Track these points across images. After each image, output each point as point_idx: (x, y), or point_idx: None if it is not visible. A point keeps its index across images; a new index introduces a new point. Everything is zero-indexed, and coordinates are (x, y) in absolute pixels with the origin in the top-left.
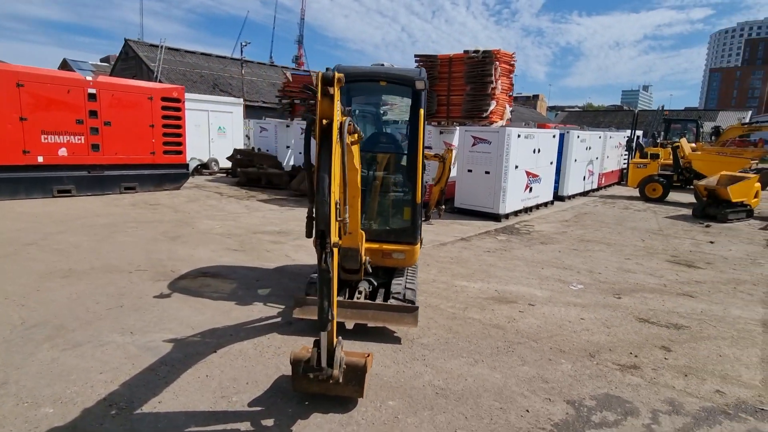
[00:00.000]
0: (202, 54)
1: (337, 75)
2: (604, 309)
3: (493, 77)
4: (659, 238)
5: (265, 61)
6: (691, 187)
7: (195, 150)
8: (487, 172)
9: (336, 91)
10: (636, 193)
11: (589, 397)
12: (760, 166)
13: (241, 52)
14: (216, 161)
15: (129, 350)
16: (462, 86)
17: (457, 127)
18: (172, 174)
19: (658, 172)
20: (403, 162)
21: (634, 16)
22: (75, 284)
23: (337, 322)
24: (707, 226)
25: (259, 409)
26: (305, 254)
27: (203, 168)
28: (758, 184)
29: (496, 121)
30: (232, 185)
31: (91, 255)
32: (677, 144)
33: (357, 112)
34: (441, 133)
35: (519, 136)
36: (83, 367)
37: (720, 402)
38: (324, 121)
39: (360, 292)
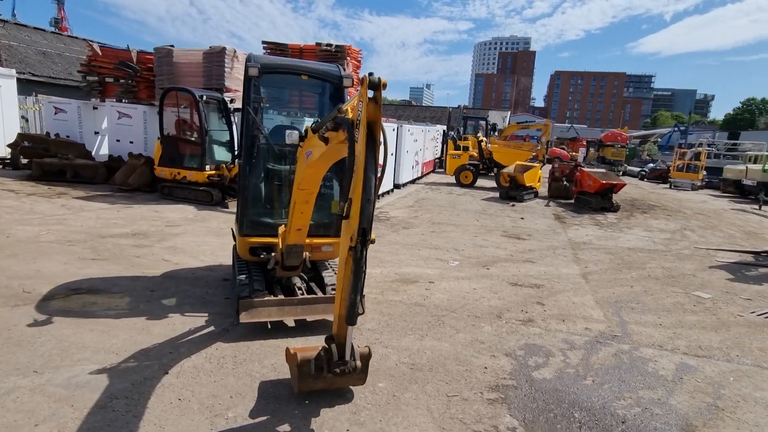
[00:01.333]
0: None
1: (382, 80)
2: (484, 279)
3: (347, 71)
4: (486, 217)
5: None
6: (492, 174)
7: None
8: None
9: (380, 96)
10: (452, 179)
11: (517, 348)
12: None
13: None
14: None
15: (51, 392)
16: None
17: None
18: None
19: (468, 161)
20: None
21: (416, 20)
22: None
23: (280, 321)
24: (513, 206)
25: (265, 418)
26: (187, 257)
27: None
28: (540, 171)
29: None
30: (20, 179)
31: None
32: (481, 138)
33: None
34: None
35: None
36: (7, 424)
37: (591, 335)
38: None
39: (300, 288)
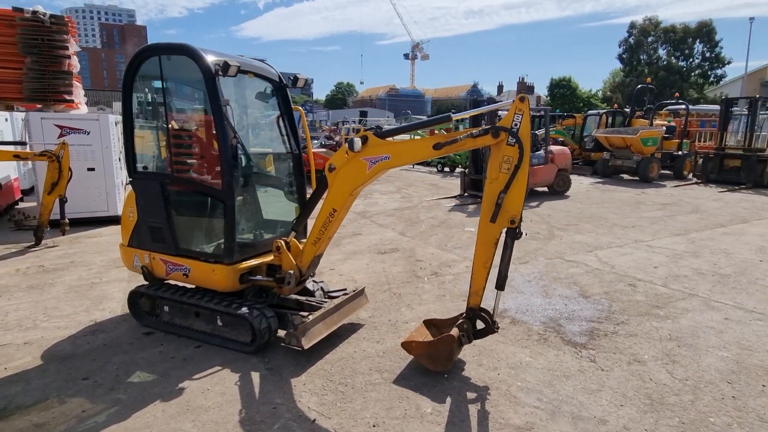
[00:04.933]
0: None
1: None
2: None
3: (70, 50)
4: None
5: None
6: None
7: None
8: (90, 169)
9: (527, 110)
10: None
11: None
12: None
13: None
14: None
15: None
16: (15, 56)
17: (25, 113)
18: None
19: None
20: (290, 161)
21: None
22: None
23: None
24: None
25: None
26: (107, 312)
27: None
28: None
29: (78, 108)
30: None
31: None
32: None
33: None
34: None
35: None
36: None
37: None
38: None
39: (303, 299)
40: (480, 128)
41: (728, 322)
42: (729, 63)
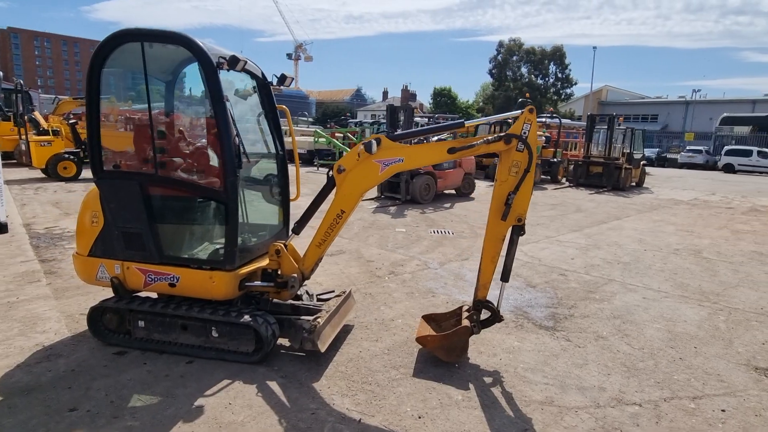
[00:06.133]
0: None
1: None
2: None
3: None
4: None
5: None
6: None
7: None
8: None
9: (535, 120)
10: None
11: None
12: None
13: None
14: None
15: None
16: None
17: None
18: None
19: (64, 149)
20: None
21: None
22: None
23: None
24: None
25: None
26: (51, 334)
27: None
28: None
29: None
30: None
31: None
32: (75, 120)
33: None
34: None
35: None
36: None
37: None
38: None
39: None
40: (494, 135)
41: (647, 300)
42: (576, 84)
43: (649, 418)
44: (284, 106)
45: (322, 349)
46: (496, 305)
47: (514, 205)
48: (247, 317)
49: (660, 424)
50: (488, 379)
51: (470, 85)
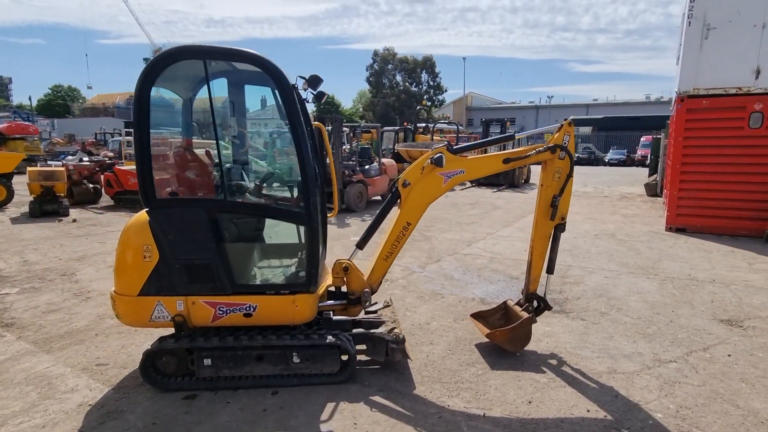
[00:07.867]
0: None
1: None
2: None
3: None
4: None
5: None
6: None
7: None
8: None
9: (573, 132)
10: None
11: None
12: None
13: None
14: None
15: None
16: None
17: None
18: None
19: None
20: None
21: None
22: None
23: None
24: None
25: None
26: (88, 391)
27: None
28: None
29: None
30: None
31: None
32: None
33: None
34: None
35: None
36: None
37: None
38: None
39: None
40: (544, 146)
41: (609, 279)
42: (446, 91)
43: (689, 369)
44: (320, 124)
45: (410, 355)
46: (543, 295)
47: (560, 206)
48: (331, 338)
49: (699, 373)
50: (553, 361)
51: (345, 91)
